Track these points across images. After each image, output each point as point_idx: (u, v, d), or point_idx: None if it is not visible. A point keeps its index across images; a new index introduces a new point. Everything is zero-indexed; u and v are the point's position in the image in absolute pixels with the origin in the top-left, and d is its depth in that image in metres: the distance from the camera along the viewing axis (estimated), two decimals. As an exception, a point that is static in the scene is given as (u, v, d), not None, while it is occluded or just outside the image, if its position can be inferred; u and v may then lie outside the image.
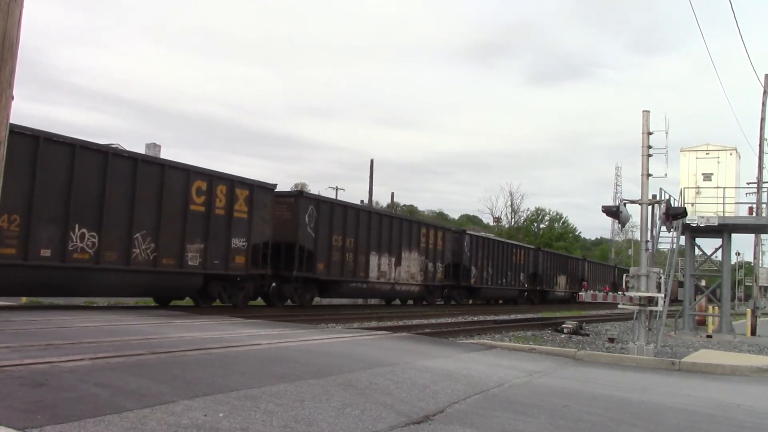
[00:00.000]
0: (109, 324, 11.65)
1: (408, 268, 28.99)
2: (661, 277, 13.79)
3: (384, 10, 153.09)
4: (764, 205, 23.15)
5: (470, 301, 36.76)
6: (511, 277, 39.71)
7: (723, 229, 22.45)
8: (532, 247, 47.34)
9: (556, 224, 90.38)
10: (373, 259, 26.50)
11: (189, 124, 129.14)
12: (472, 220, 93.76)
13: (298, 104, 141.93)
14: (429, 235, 30.64)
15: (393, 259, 27.81)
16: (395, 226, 28.16)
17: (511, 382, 8.43)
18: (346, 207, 25.94)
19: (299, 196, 23.53)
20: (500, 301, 40.96)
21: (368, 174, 47.13)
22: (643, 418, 6.80)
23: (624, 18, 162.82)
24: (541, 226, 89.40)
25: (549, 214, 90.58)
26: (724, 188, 22.22)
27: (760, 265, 45.53)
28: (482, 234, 40.91)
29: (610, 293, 14.46)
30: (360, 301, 32.57)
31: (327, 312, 22.87)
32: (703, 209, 22.24)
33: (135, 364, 7.07)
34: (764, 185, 25.06)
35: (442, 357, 10.40)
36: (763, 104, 27.27)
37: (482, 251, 35.87)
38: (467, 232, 36.79)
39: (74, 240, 15.60)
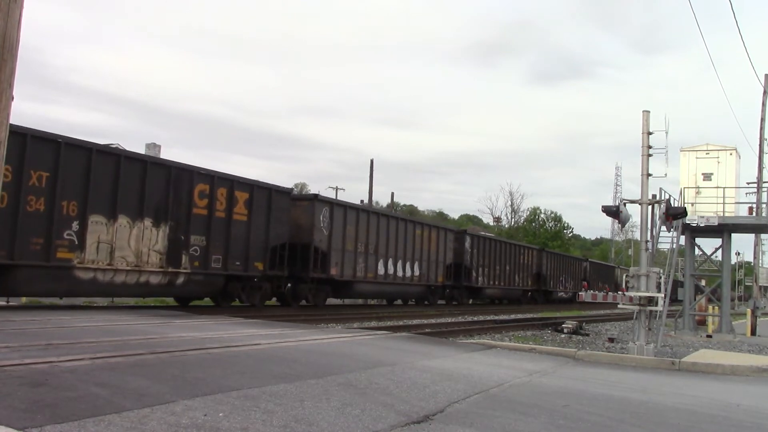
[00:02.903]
0: (108, 324, 11.65)
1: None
2: (661, 277, 13.78)
3: (385, 9, 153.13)
4: (764, 205, 23.12)
5: (470, 301, 36.78)
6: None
7: (723, 229, 22.43)
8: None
9: (550, 223, 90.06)
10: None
11: (189, 124, 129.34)
12: (472, 220, 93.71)
13: (298, 104, 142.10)
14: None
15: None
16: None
17: (511, 381, 8.42)
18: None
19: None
20: (504, 301, 41.06)
21: (368, 174, 47.22)
22: (643, 418, 6.79)
23: (625, 17, 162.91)
24: (538, 224, 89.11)
25: (543, 213, 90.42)
26: (724, 188, 22.19)
27: (760, 265, 45.57)
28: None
29: (610, 293, 14.45)
30: (366, 301, 32.73)
31: (327, 312, 22.89)
32: (703, 209, 22.21)
33: (135, 363, 7.07)
34: (764, 185, 25.06)
35: (442, 357, 10.39)
36: (763, 104, 27.30)
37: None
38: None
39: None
